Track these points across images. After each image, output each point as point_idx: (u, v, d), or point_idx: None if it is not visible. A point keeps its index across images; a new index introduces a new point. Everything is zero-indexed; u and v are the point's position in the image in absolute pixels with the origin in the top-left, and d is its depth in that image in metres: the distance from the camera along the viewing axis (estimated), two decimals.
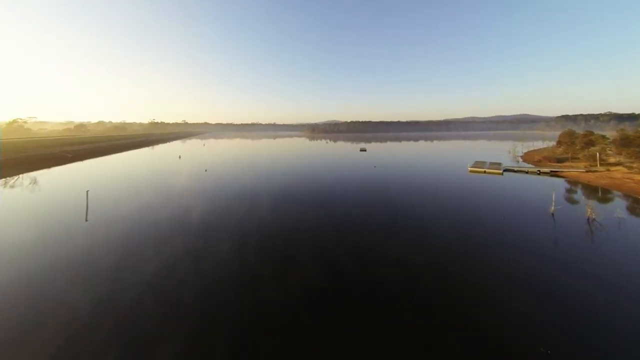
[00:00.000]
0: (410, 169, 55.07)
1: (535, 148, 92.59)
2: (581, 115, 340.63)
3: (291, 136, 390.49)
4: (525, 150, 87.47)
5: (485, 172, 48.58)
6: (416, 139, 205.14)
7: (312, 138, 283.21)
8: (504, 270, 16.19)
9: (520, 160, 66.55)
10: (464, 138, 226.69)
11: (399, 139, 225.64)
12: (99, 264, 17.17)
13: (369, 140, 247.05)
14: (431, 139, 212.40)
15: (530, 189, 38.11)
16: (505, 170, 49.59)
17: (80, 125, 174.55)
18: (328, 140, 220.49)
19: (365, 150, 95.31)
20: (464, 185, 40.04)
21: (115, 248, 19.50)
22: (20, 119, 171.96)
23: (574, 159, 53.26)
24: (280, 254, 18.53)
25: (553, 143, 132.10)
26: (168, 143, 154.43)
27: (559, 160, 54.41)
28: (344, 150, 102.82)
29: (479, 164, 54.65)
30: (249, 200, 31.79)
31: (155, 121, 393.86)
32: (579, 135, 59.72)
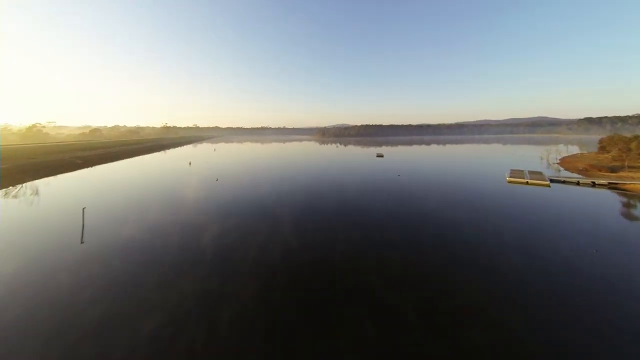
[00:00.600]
0: (437, 179, 49.85)
1: (572, 154, 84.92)
2: (606, 117, 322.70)
3: (301, 140, 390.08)
4: (558, 157, 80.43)
5: (527, 183, 42.95)
6: (428, 143, 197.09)
7: (322, 142, 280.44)
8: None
9: (560, 168, 60.14)
10: (480, 142, 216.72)
11: (410, 143, 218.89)
12: (84, 317, 13.26)
13: (379, 144, 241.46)
14: (446, 142, 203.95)
15: (596, 205, 32.51)
16: (551, 180, 43.78)
17: (95, 130, 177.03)
18: (338, 145, 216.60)
19: (382, 156, 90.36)
20: (507, 199, 34.78)
21: (108, 288, 15.67)
22: (39, 123, 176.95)
23: (631, 167, 46.81)
24: (317, 300, 14.22)
25: (577, 148, 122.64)
26: (179, 148, 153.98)
27: (612, 170, 48.05)
28: (360, 156, 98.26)
29: (517, 173, 48.97)
30: (267, 219, 27.75)
31: (168, 125, 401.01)
32: (634, 140, 52.94)
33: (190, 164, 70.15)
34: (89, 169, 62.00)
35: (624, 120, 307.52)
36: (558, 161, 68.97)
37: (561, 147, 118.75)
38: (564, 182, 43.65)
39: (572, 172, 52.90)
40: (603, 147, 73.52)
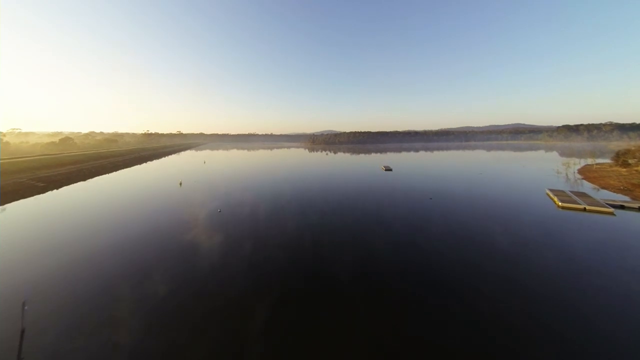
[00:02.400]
0: (473, 202, 43.51)
1: (584, 166, 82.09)
2: (583, 125, 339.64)
3: (289, 147, 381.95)
4: (576, 170, 77.48)
5: (585, 209, 37.40)
6: (418, 150, 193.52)
7: (312, 149, 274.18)
8: None
9: (586, 184, 56.01)
10: (470, 148, 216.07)
11: (402, 150, 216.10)
12: None
13: (369, 152, 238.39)
14: (437, 149, 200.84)
15: None
16: (612, 205, 38.34)
17: (66, 139, 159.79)
18: (329, 152, 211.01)
19: (390, 170, 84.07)
20: (574, 237, 28.51)
21: None
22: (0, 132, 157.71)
23: None
24: None
25: (557, 154, 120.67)
26: (164, 158, 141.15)
27: None
28: (364, 169, 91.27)
29: (562, 195, 43.64)
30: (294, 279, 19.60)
31: (149, 132, 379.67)
32: None
33: (180, 184, 60.14)
34: (53, 192, 50.69)
35: (598, 128, 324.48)
36: (581, 176, 65.30)
37: (541, 152, 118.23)
38: (621, 207, 38.48)
39: (610, 191, 48.55)
40: (620, 159, 71.15)
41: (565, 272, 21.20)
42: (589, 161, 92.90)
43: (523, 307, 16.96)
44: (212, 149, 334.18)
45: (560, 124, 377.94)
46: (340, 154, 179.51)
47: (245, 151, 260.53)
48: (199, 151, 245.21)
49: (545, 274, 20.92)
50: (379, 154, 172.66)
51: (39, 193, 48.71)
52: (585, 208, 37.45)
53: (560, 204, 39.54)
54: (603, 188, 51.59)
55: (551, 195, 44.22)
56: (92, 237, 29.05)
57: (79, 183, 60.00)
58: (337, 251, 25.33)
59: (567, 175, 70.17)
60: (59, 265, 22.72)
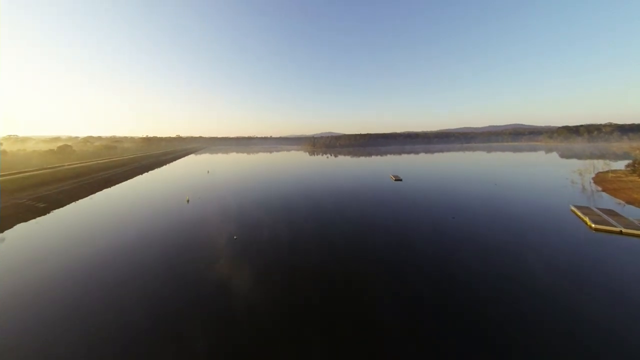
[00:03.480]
0: (498, 220, 41.55)
1: (598, 174, 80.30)
2: (583, 126, 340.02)
3: (289, 150, 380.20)
4: (591, 177, 75.84)
5: (622, 232, 35.49)
6: (418, 152, 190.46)
7: (313, 152, 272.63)
8: None
9: (606, 195, 54.29)
10: (471, 150, 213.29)
11: (402, 153, 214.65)
12: None
13: (370, 154, 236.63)
14: (437, 151, 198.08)
15: None
16: None
17: (65, 147, 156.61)
18: (329, 156, 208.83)
19: (400, 180, 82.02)
20: (614, 268, 26.57)
21: None
22: None
23: None
24: None
25: (557, 155, 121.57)
26: (165, 167, 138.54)
27: None
28: (373, 177, 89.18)
29: (591, 213, 41.74)
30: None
31: (148, 136, 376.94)
32: None
33: (187, 201, 57.71)
34: (55, 213, 48.19)
35: (598, 129, 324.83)
36: (599, 188, 63.57)
37: (535, 152, 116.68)
38: None
39: (636, 207, 46.77)
40: (638, 168, 69.64)
41: (621, 315, 19.15)
42: (600, 167, 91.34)
43: None
44: (212, 152, 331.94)
45: (559, 124, 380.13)
46: (342, 158, 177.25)
47: (246, 155, 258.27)
48: (199, 156, 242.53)
49: (596, 314, 18.90)
50: (381, 158, 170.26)
51: (40, 215, 46.22)
52: (621, 231, 35.52)
53: (593, 225, 37.58)
54: (629, 203, 49.78)
55: (579, 214, 42.29)
56: (98, 271, 26.70)
57: (80, 201, 57.49)
58: (374, 285, 23.15)
59: (582, 185, 68.52)
60: (64, 315, 20.37)
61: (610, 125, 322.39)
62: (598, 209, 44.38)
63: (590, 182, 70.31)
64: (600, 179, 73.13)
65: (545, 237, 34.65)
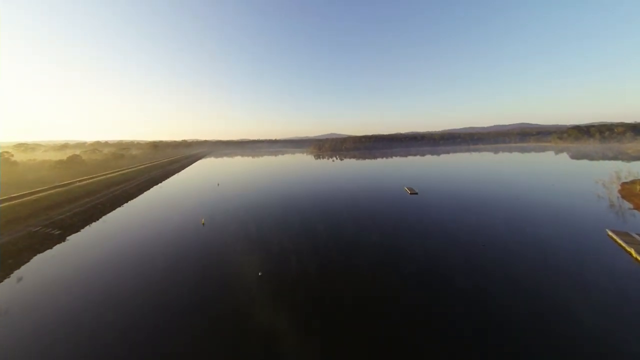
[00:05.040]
0: (529, 246, 39.27)
1: (624, 185, 76.95)
2: (594, 126, 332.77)
3: (294, 152, 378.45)
4: (618, 186, 72.83)
5: None
6: (424, 154, 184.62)
7: (318, 156, 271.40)
8: None
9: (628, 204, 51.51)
10: (477, 151, 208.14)
11: (405, 155, 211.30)
12: None
13: (375, 157, 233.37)
14: (445, 154, 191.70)
15: None
16: None
17: (74, 157, 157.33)
18: (335, 159, 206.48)
19: (416, 194, 79.83)
20: None
21: None
22: (7, 152, 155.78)
23: None
24: None
25: (569, 156, 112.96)
26: (174, 177, 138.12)
27: None
28: (385, 189, 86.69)
29: (635, 242, 39.22)
30: None
31: (155, 141, 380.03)
32: None
33: (203, 223, 56.37)
34: (70, 240, 47.12)
35: (610, 129, 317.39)
36: (631, 206, 60.57)
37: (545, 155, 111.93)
38: None
39: None
40: None
41: None
42: (623, 174, 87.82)
43: None
44: (217, 156, 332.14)
45: (564, 123, 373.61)
46: (349, 163, 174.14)
47: (252, 160, 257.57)
48: (205, 162, 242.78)
49: None
50: (388, 162, 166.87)
51: (56, 243, 45.23)
52: None
53: (638, 257, 35.15)
54: None
55: (621, 243, 39.80)
56: (117, 317, 25.18)
57: (94, 224, 56.57)
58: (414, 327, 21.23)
59: (610, 199, 65.68)
60: None
61: (622, 125, 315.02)
62: (639, 234, 41.84)
63: (618, 197, 67.34)
64: (628, 193, 70.03)
65: (586, 272, 32.50)
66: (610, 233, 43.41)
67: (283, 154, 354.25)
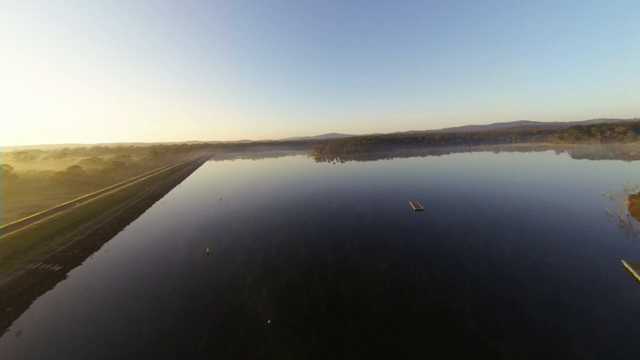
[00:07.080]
0: (541, 280, 38.22)
1: (632, 200, 75.55)
2: (595, 126, 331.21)
3: (294, 154, 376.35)
4: (625, 204, 71.65)
5: None
6: (424, 154, 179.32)
7: (319, 158, 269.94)
8: None
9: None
10: (477, 151, 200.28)
11: (407, 155, 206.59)
12: None
13: (375, 158, 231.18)
14: (447, 155, 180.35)
15: None
16: None
17: (74, 168, 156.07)
18: (336, 161, 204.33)
19: (421, 210, 78.82)
20: None
21: None
22: (7, 165, 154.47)
23: None
24: None
25: (567, 155, 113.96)
26: (175, 189, 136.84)
27: None
28: (390, 204, 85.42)
29: None
30: None
31: (155, 145, 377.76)
32: None
33: (207, 252, 55.18)
34: (71, 277, 45.97)
35: (611, 129, 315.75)
36: (631, 212, 59.45)
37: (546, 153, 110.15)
38: None
39: None
40: None
41: None
42: (630, 186, 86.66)
43: None
44: (217, 159, 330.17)
45: (564, 120, 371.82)
46: (350, 165, 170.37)
47: (253, 164, 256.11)
48: (206, 168, 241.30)
49: None
50: (389, 166, 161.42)
51: (56, 281, 44.08)
52: None
53: None
54: None
55: (637, 277, 38.69)
56: None
57: (95, 254, 55.44)
58: None
59: (620, 218, 64.56)
60: None
61: (623, 124, 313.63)
62: None
63: (628, 215, 66.23)
64: (638, 209, 68.88)
65: (600, 310, 31.53)
66: (626, 265, 42.34)
67: (284, 156, 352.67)
